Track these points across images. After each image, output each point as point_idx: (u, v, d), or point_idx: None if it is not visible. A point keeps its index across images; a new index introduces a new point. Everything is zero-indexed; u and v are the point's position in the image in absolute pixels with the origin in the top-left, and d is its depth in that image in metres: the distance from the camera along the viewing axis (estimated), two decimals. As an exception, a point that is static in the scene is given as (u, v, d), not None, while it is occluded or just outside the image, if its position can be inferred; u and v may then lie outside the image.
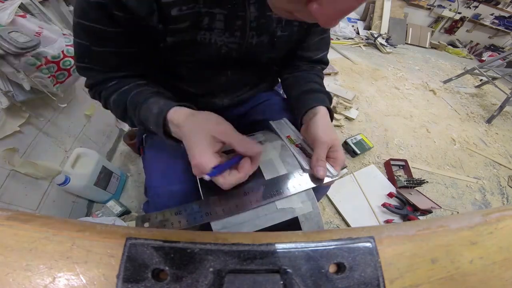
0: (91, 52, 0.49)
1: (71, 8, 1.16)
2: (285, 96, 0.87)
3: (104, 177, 1.26)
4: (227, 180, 0.43)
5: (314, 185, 0.50)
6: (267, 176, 0.51)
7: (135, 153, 1.56)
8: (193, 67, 0.61)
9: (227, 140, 0.44)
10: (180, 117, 0.46)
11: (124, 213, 1.27)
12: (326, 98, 0.64)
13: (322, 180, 0.50)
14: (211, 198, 0.46)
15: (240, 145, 0.44)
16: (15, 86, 0.86)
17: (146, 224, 0.45)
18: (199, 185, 0.49)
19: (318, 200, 0.60)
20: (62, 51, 0.93)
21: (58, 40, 0.93)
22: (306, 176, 0.52)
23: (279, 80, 0.81)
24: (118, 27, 0.46)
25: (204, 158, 0.42)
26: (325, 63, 0.76)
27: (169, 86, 0.64)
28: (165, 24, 0.48)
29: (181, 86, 0.67)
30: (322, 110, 0.59)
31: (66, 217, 0.84)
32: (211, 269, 0.27)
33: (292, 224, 0.47)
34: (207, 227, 0.46)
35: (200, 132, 0.44)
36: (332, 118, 0.62)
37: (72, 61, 0.97)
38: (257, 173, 0.51)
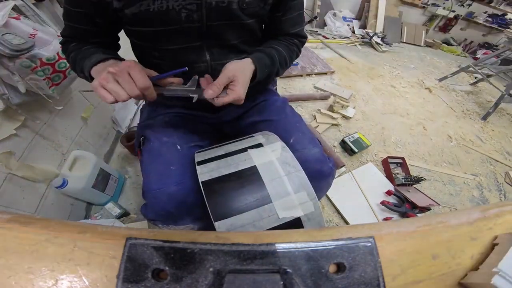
0: (65, 27, 0.62)
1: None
2: (283, 96, 0.88)
3: (102, 179, 1.25)
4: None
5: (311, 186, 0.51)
6: (266, 178, 0.51)
7: (132, 155, 1.55)
8: (167, 44, 0.62)
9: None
10: (97, 69, 0.55)
11: (123, 215, 1.27)
12: (267, 60, 0.64)
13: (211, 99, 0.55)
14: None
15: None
16: (10, 88, 0.85)
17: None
18: (201, 187, 0.49)
19: (318, 199, 0.60)
20: (57, 53, 0.92)
21: (53, 42, 0.92)
22: (303, 175, 0.52)
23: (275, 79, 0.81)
24: (80, 8, 0.56)
25: (122, 66, 0.50)
26: (304, 36, 0.76)
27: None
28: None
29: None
30: (247, 60, 0.61)
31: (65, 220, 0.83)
32: (211, 269, 0.26)
33: (295, 225, 0.48)
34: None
35: (119, 63, 0.52)
36: (255, 77, 0.63)
37: (67, 63, 0.96)
38: (256, 176, 0.51)
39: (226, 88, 0.57)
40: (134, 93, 0.50)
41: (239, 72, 0.57)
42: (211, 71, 0.67)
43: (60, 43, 0.67)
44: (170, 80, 0.57)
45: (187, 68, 0.57)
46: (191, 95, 0.58)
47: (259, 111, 0.79)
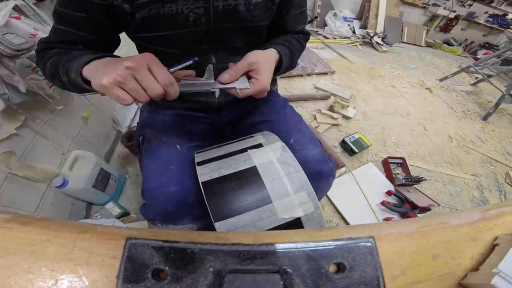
0: (52, 30, 0.54)
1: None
2: (283, 96, 0.88)
3: (102, 179, 1.25)
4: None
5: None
6: (266, 178, 0.51)
7: (133, 154, 1.55)
8: (172, 48, 0.60)
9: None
10: (90, 68, 0.47)
11: (123, 215, 1.27)
12: (286, 50, 0.63)
13: (226, 84, 0.53)
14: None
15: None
16: (11, 88, 0.85)
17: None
18: (201, 187, 0.49)
19: (319, 199, 0.60)
20: (58, 53, 0.92)
21: (54, 41, 0.92)
22: (303, 175, 0.52)
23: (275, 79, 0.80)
24: (83, 12, 0.50)
25: (141, 59, 0.43)
26: (308, 33, 0.77)
27: None
28: (130, 2, 0.51)
29: None
30: (271, 50, 0.60)
31: (65, 220, 0.84)
32: (211, 269, 0.26)
33: (295, 225, 0.48)
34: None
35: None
36: (280, 67, 0.62)
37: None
38: (256, 176, 0.51)
39: (248, 78, 0.54)
40: (157, 92, 0.44)
41: (262, 59, 0.55)
42: (216, 74, 0.66)
43: (37, 51, 0.57)
44: (184, 73, 0.52)
45: (196, 58, 0.51)
46: (212, 89, 0.52)
47: (260, 112, 0.79)
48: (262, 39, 0.72)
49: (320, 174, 0.66)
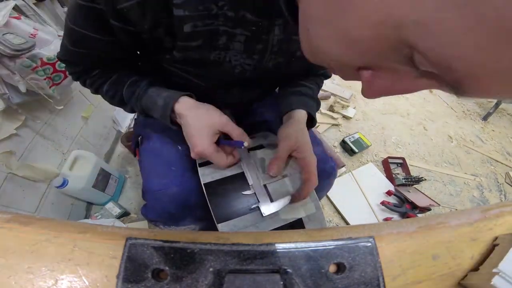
0: (69, 51, 0.48)
1: (66, 9, 1.16)
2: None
3: (102, 179, 1.25)
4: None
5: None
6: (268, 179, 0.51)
7: (132, 154, 1.55)
8: (201, 83, 0.58)
9: (226, 131, 0.50)
10: (183, 107, 0.50)
11: (123, 215, 1.27)
12: (313, 103, 0.64)
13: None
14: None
15: (237, 135, 0.50)
16: (10, 88, 0.85)
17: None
18: (204, 188, 0.49)
19: (320, 198, 0.60)
20: (58, 53, 0.92)
21: (54, 41, 0.92)
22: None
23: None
24: (108, 36, 0.43)
25: (205, 147, 0.48)
26: (327, 76, 0.75)
27: None
28: (174, 38, 0.43)
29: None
30: (300, 114, 0.60)
31: (65, 220, 0.84)
32: (211, 269, 0.26)
33: (297, 226, 0.48)
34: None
35: (203, 125, 0.49)
36: (313, 125, 0.63)
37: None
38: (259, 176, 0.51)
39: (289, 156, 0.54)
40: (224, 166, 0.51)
41: (299, 134, 0.54)
42: (234, 99, 0.66)
43: (70, 74, 0.56)
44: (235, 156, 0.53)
45: (244, 144, 0.49)
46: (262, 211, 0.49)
47: (260, 112, 0.79)
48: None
49: (321, 173, 0.65)
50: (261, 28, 0.44)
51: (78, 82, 0.57)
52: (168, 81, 0.58)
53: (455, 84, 0.18)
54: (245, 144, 0.47)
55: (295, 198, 0.49)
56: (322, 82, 0.75)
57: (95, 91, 0.57)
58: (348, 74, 0.26)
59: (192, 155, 0.49)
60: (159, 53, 0.49)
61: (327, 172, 0.68)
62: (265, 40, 0.46)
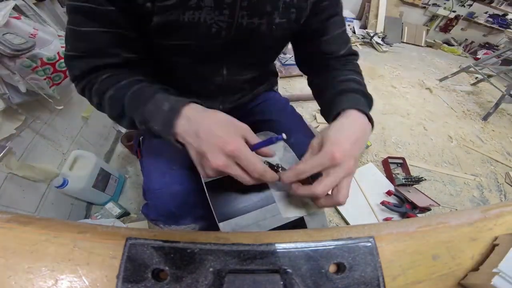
0: (77, 34, 0.46)
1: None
2: (284, 96, 0.88)
3: (102, 179, 1.25)
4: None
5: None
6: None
7: (132, 154, 1.55)
8: (184, 59, 0.58)
9: (249, 137, 0.43)
10: (194, 110, 0.43)
11: (123, 215, 1.27)
12: (362, 98, 0.52)
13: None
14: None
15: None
16: (10, 88, 0.85)
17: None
18: (205, 187, 0.49)
19: None
20: (58, 53, 0.92)
21: (54, 41, 0.92)
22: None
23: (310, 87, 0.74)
24: (107, 4, 0.43)
25: (239, 145, 0.39)
26: (356, 53, 0.67)
27: (165, 83, 0.61)
28: (153, 2, 0.45)
29: (176, 85, 0.62)
30: (352, 114, 0.47)
31: (65, 220, 0.84)
32: (211, 269, 0.26)
33: (298, 225, 0.48)
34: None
35: (227, 123, 0.42)
36: (372, 127, 0.49)
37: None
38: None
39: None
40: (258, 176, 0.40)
41: (348, 145, 0.41)
42: (225, 85, 0.66)
43: (76, 78, 0.51)
44: (265, 152, 0.46)
45: (283, 136, 0.42)
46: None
47: (261, 111, 0.79)
48: (275, 57, 0.71)
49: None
50: None
51: (76, 89, 0.54)
52: (158, 68, 0.59)
53: None
54: (284, 135, 0.41)
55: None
56: (359, 67, 0.65)
57: (99, 99, 0.50)
58: None
59: (213, 161, 0.39)
60: (141, 24, 0.48)
61: None
62: None
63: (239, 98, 0.76)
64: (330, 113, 0.51)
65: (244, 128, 0.43)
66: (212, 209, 0.46)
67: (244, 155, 0.39)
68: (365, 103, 0.51)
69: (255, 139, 0.43)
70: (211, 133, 0.40)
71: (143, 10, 0.45)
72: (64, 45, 0.93)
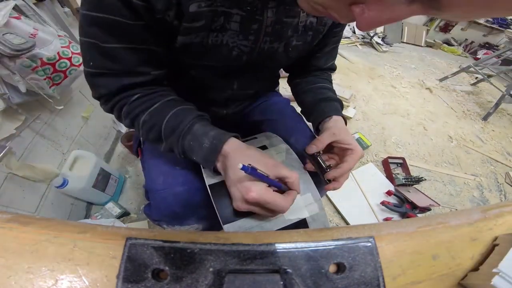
0: (102, 51, 0.43)
1: (66, 9, 1.16)
2: (284, 97, 0.88)
3: (102, 179, 1.25)
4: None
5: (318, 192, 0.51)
6: None
7: (132, 154, 1.55)
8: (200, 73, 0.59)
9: (282, 175, 0.45)
10: (231, 147, 0.46)
11: (123, 215, 1.27)
12: (339, 107, 0.67)
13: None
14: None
15: (296, 180, 0.46)
16: (10, 88, 0.85)
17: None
18: (209, 190, 0.49)
19: (322, 196, 0.61)
20: (58, 53, 0.92)
21: (54, 41, 0.92)
22: (308, 177, 0.52)
23: (289, 84, 0.81)
24: (135, 19, 0.41)
25: (262, 191, 0.42)
26: (334, 69, 0.78)
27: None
28: (180, 20, 0.44)
29: (183, 95, 0.60)
30: (339, 119, 0.62)
31: (65, 220, 0.83)
32: (211, 269, 0.26)
33: (300, 226, 0.48)
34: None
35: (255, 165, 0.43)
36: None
37: (68, 63, 0.96)
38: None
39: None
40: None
41: (343, 132, 0.58)
42: (234, 97, 0.70)
43: (102, 97, 0.50)
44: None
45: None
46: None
47: (261, 111, 0.80)
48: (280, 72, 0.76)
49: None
50: (255, 8, 0.46)
51: (80, 84, 0.55)
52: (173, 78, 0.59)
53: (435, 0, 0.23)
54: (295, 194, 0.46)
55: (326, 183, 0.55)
56: (331, 77, 0.77)
57: (131, 122, 0.51)
58: (343, 12, 0.31)
59: (238, 204, 0.43)
60: (168, 40, 0.48)
61: None
62: (260, 20, 0.48)
63: (244, 105, 0.78)
64: (315, 116, 0.65)
65: (275, 166, 0.45)
66: (216, 211, 0.46)
67: (268, 200, 0.42)
68: (340, 108, 0.67)
69: (288, 174, 0.45)
70: (237, 177, 0.43)
71: (170, 26, 0.44)
72: (63, 45, 0.94)
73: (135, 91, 0.49)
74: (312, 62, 0.71)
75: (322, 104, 0.65)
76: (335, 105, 0.66)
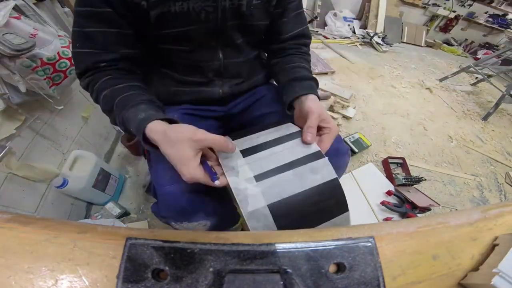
0: (83, 34, 0.56)
1: (66, 9, 1.16)
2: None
3: (102, 179, 1.25)
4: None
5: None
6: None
7: (132, 154, 1.55)
8: (183, 45, 0.64)
9: (206, 145, 0.49)
10: (154, 133, 0.50)
11: (123, 215, 1.27)
12: (314, 85, 0.69)
13: (313, 146, 0.56)
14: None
15: (218, 146, 0.50)
16: (10, 88, 0.85)
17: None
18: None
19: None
20: (58, 53, 0.92)
21: (54, 41, 0.92)
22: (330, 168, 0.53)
23: (268, 67, 0.84)
24: (109, 8, 0.53)
25: (192, 173, 0.47)
26: (308, 36, 0.79)
27: (167, 77, 0.73)
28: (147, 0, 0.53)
29: (177, 77, 0.72)
30: (312, 96, 0.65)
31: (65, 220, 0.83)
32: (211, 269, 0.26)
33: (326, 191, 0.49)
34: None
35: (179, 151, 0.48)
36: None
37: (68, 63, 0.96)
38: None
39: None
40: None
41: (322, 109, 0.62)
42: (223, 68, 0.72)
43: (81, 74, 0.60)
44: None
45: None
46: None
47: (267, 103, 0.81)
48: (260, 39, 0.77)
49: (337, 151, 0.70)
50: None
51: (80, 84, 0.62)
52: (159, 60, 0.70)
53: None
54: (217, 182, 0.48)
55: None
56: (309, 54, 0.79)
57: (96, 96, 0.60)
58: None
59: (187, 181, 0.49)
60: (137, 21, 0.57)
61: (342, 150, 0.72)
62: None
63: (237, 83, 0.79)
64: (291, 93, 0.67)
65: (197, 140, 0.48)
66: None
67: (201, 180, 0.48)
68: (315, 87, 0.69)
69: (211, 142, 0.49)
70: (171, 161, 0.49)
71: (140, 8, 0.54)
72: (63, 45, 0.94)
73: (107, 72, 0.59)
74: (282, 28, 0.74)
75: (295, 83, 0.68)
76: (309, 84, 0.68)
